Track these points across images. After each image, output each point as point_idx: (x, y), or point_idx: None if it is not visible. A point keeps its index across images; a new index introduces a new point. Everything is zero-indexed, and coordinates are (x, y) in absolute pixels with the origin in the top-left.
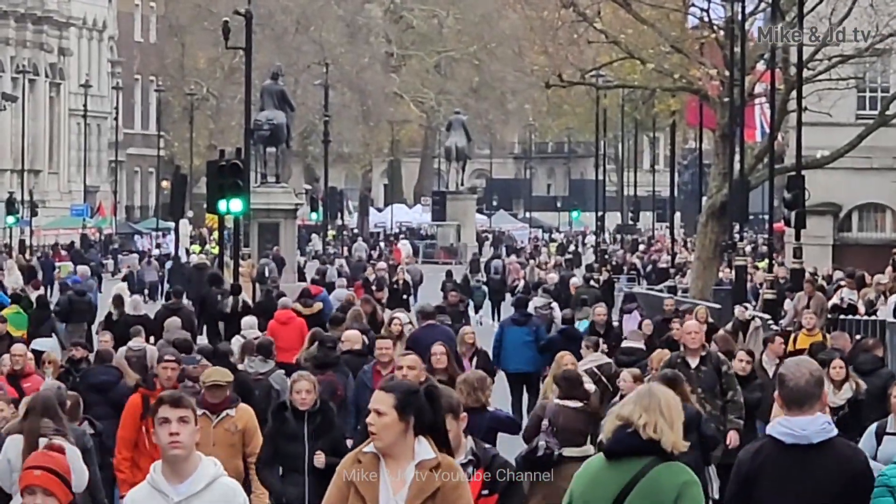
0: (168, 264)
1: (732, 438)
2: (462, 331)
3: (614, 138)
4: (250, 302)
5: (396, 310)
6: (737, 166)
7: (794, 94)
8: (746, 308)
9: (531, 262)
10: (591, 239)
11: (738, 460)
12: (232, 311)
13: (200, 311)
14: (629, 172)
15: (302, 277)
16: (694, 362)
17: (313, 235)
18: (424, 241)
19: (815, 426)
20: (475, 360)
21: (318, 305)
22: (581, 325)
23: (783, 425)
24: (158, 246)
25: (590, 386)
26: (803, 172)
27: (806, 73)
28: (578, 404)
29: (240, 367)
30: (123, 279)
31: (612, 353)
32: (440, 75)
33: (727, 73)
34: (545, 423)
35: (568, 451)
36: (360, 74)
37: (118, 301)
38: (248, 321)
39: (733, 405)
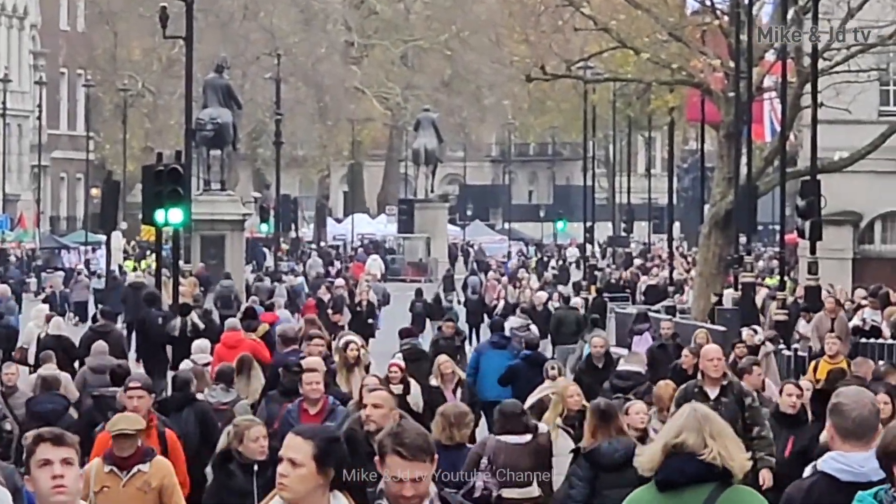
0: (98, 282)
1: (766, 478)
2: (437, 360)
3: (605, 138)
4: (200, 323)
5: (346, 333)
6: (743, 170)
7: (808, 87)
8: (756, 332)
9: (511, 279)
10: (573, 252)
11: (788, 497)
12: (181, 335)
13: (138, 334)
14: (622, 177)
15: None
16: (713, 393)
17: (264, 250)
18: (390, 255)
19: (873, 462)
20: (458, 392)
21: (263, 327)
22: (586, 348)
23: (838, 461)
24: (88, 262)
25: (537, 420)
26: (819, 177)
27: (821, 65)
28: (523, 440)
29: (199, 396)
30: (45, 300)
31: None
32: (407, 67)
33: (732, 64)
34: (484, 460)
35: (508, 493)
36: (316, 66)
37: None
38: (200, 345)
39: (761, 441)
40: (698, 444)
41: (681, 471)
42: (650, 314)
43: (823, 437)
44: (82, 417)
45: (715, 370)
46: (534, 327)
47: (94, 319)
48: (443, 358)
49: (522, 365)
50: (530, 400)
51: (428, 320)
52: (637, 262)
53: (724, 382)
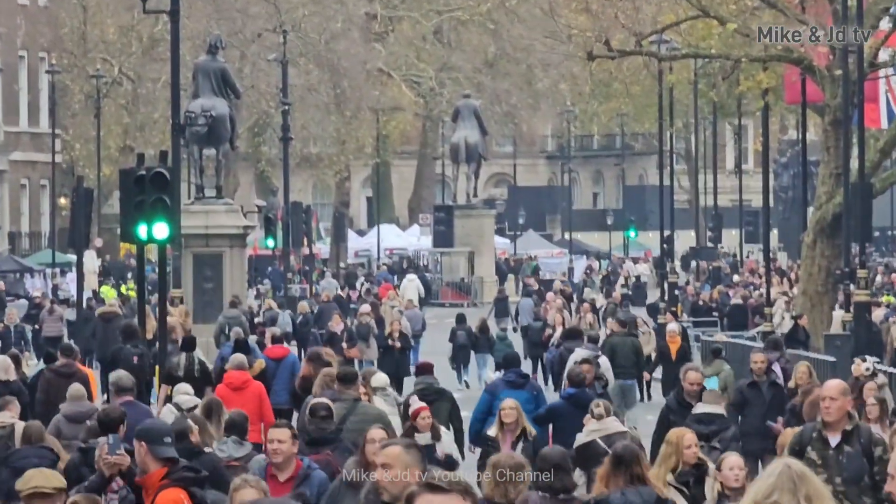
0: (69, 312)
1: None
2: (502, 404)
3: (684, 128)
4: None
5: (367, 368)
6: (854, 164)
7: None
8: (865, 360)
9: (569, 300)
10: (642, 268)
11: None
12: (186, 374)
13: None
14: (706, 175)
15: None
16: (835, 440)
17: (326, 274)
18: (424, 274)
19: None
20: (519, 446)
21: (259, 363)
22: (709, 383)
23: None
24: (56, 288)
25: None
26: None
27: None
28: (564, 497)
29: (206, 450)
30: None
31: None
32: (442, 45)
33: (839, 35)
34: None
35: None
36: (330, 45)
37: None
38: (184, 385)
39: None
40: None
41: None
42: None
43: None
44: (67, 474)
45: (828, 412)
46: (605, 360)
47: (49, 358)
48: (509, 402)
49: (563, 405)
50: (578, 442)
51: (473, 353)
52: (735, 278)
53: (849, 427)
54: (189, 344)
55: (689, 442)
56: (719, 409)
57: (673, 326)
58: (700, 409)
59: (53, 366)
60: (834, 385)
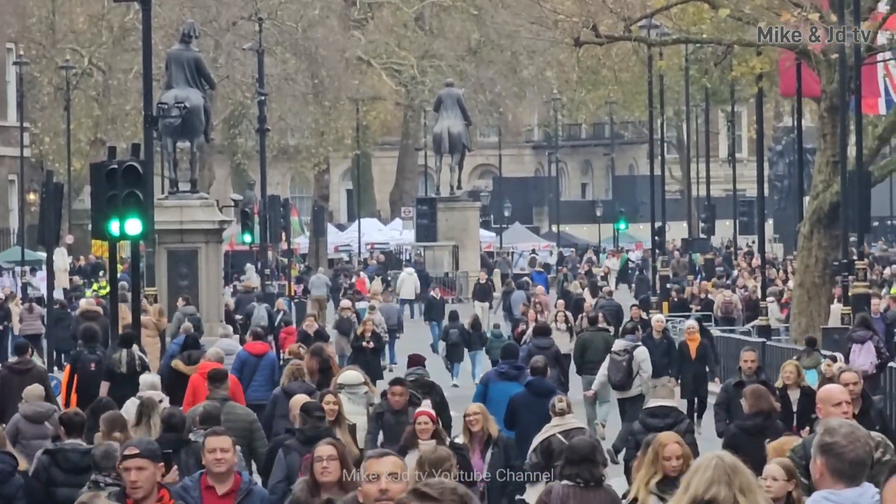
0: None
1: None
2: (467, 409)
3: (676, 116)
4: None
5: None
6: (852, 151)
7: None
8: (836, 360)
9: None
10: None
11: None
12: (129, 370)
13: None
14: (698, 164)
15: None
16: None
17: (248, 266)
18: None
19: (866, 499)
20: (489, 455)
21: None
22: (809, 376)
23: (831, 499)
24: (25, 287)
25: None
26: None
27: None
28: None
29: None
30: None
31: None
32: (423, 31)
33: (834, 17)
34: None
35: None
36: (308, 33)
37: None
38: (150, 380)
39: None
40: (729, 500)
41: None
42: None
43: None
44: (37, 476)
45: (845, 417)
46: (642, 350)
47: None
48: (473, 408)
49: (525, 395)
50: (535, 441)
51: (466, 351)
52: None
53: None
54: (127, 340)
55: (668, 454)
56: (672, 402)
57: (692, 323)
58: (653, 402)
59: (8, 363)
60: (840, 388)
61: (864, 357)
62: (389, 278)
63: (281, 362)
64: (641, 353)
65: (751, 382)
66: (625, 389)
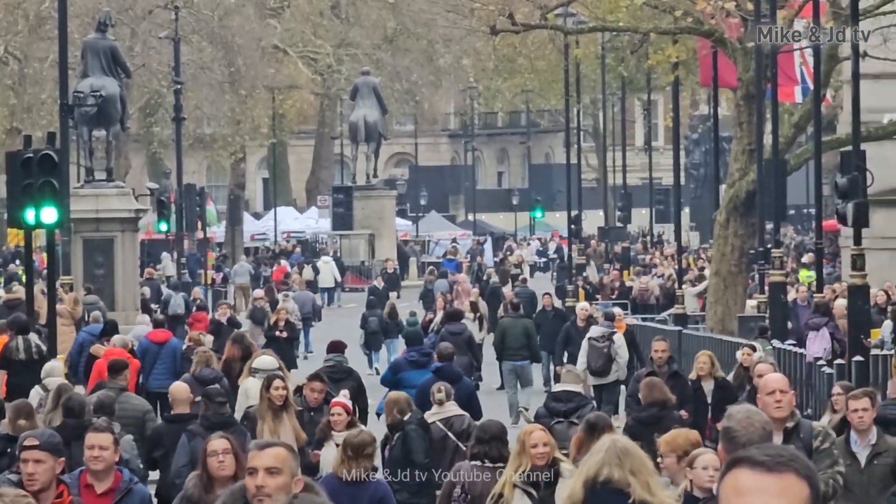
0: None
1: None
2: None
3: (592, 105)
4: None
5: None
6: (768, 140)
7: (847, 34)
8: (755, 350)
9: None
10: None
11: None
12: (27, 356)
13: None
14: (614, 153)
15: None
16: (778, 439)
17: (164, 255)
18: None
19: None
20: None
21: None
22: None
23: None
24: None
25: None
26: (863, 146)
27: (863, 4)
28: (501, 466)
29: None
30: None
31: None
32: (339, 20)
33: (751, 5)
34: (457, 490)
35: None
36: (224, 21)
37: None
38: (52, 366)
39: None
40: (622, 480)
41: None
42: (651, 326)
43: None
44: None
45: (778, 408)
46: (619, 337)
47: None
48: (395, 394)
49: (432, 381)
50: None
51: (383, 339)
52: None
53: (790, 424)
54: (23, 327)
55: (535, 441)
56: (577, 388)
57: (619, 310)
58: (558, 387)
59: None
60: (778, 378)
61: (818, 344)
62: (315, 267)
63: (185, 348)
64: (619, 340)
65: (662, 372)
66: (604, 375)
